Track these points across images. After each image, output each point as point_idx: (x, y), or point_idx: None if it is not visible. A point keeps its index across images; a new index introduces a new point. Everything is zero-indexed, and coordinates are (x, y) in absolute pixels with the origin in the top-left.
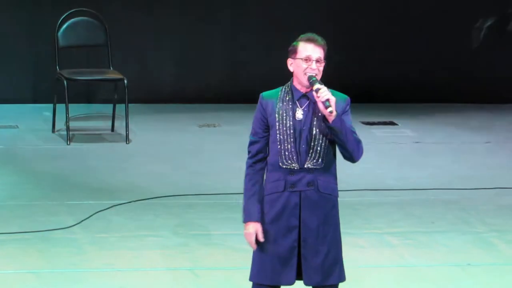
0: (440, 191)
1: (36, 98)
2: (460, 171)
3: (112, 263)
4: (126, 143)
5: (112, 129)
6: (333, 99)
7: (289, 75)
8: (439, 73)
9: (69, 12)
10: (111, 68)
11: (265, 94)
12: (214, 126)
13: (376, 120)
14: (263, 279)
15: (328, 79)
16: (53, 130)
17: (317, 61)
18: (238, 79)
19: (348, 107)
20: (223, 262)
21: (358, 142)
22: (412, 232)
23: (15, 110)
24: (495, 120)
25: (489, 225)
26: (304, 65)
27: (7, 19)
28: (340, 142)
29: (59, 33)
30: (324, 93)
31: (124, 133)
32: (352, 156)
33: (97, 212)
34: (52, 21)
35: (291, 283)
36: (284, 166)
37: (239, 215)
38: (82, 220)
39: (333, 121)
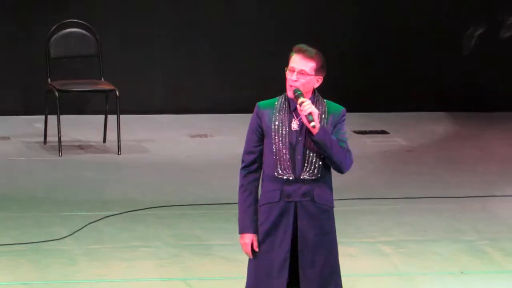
0: (432, 199)
1: (27, 109)
2: (452, 179)
3: (104, 274)
4: (118, 154)
5: (104, 140)
6: (316, 113)
7: (281, 86)
8: (431, 82)
9: (60, 23)
10: (103, 79)
11: (261, 103)
12: (206, 137)
13: (367, 129)
14: None
15: (321, 89)
16: (45, 142)
17: (300, 73)
18: (229, 90)
19: (343, 118)
20: (216, 272)
21: (347, 153)
22: (405, 241)
23: (6, 122)
24: (486, 128)
25: (481, 233)
26: (288, 76)
27: None
28: (326, 155)
29: (50, 44)
30: (306, 107)
31: (115, 144)
32: (339, 167)
33: (89, 223)
34: (43, 32)
35: None
36: (279, 176)
37: (232, 225)
38: (75, 232)
39: (316, 134)
